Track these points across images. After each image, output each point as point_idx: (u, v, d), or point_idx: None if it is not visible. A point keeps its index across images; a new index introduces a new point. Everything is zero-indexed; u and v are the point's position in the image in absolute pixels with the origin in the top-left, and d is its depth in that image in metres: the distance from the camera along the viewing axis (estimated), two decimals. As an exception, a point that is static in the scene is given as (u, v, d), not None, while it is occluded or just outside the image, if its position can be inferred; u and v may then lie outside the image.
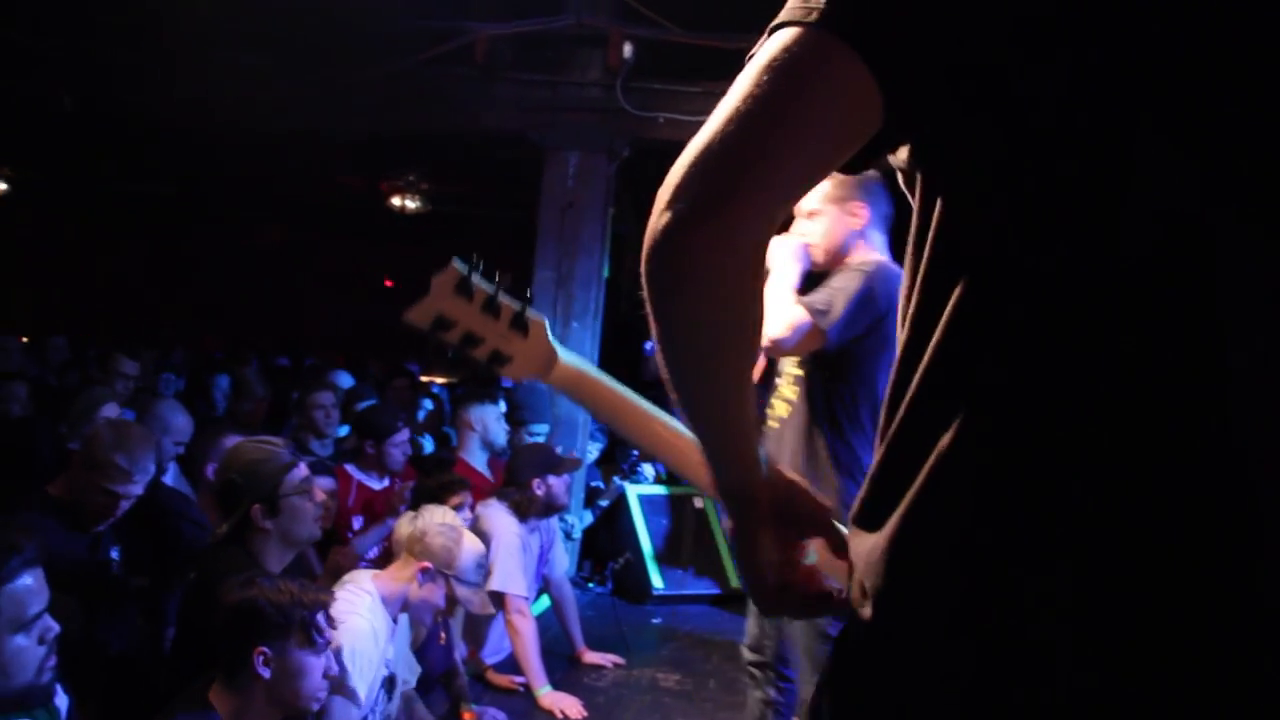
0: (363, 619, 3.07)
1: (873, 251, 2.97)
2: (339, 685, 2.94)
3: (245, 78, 6.32)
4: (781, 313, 2.78)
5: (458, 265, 1.46)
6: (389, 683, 3.25)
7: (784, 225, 2.79)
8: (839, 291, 2.83)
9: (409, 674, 3.45)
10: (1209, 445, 0.85)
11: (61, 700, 2.25)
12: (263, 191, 11.31)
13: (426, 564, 3.22)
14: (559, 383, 1.51)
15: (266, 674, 2.34)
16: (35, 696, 2.03)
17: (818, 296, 2.85)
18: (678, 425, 1.45)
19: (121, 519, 3.31)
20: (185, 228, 13.56)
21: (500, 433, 5.33)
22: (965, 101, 0.91)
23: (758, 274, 0.97)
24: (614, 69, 5.94)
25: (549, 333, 1.50)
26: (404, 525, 3.48)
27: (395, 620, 3.27)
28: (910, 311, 1.00)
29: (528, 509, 4.46)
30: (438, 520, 3.36)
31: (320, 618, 2.44)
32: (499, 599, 4.25)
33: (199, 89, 6.41)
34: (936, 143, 0.97)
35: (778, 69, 0.92)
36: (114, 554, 3.28)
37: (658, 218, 0.95)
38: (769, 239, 0.95)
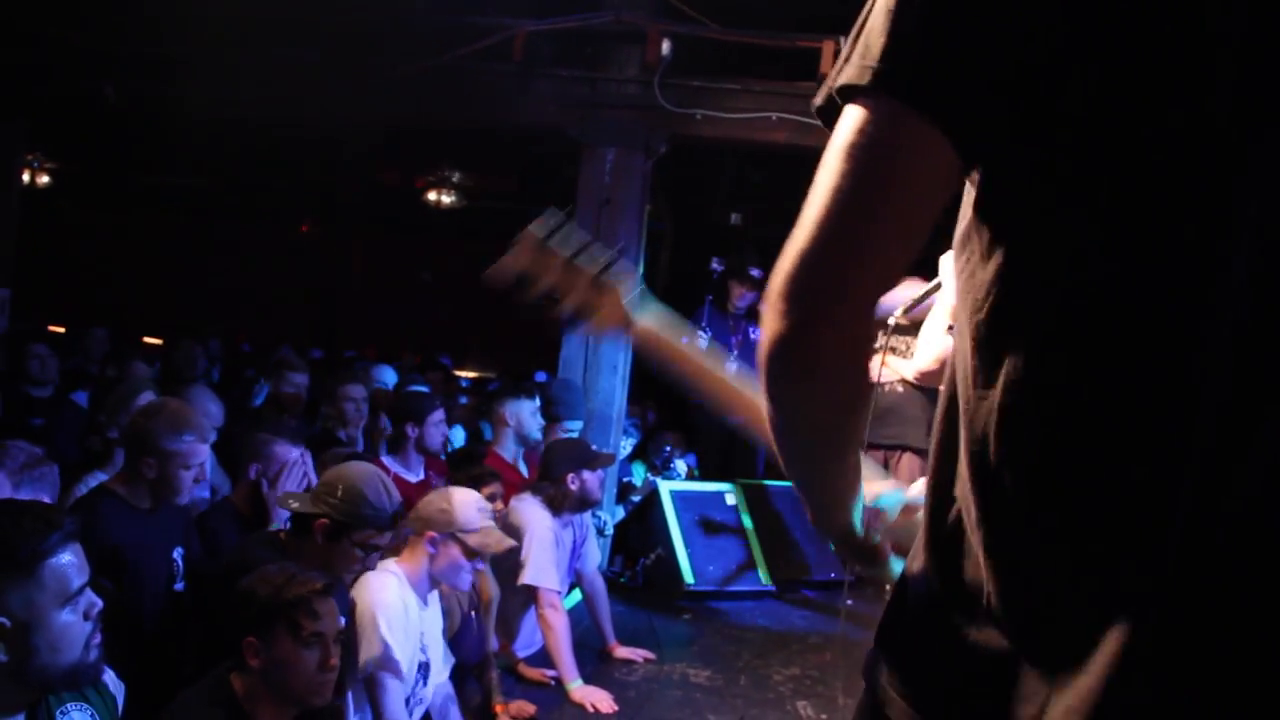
0: (393, 594, 3.14)
1: None
2: (383, 661, 2.98)
3: (285, 72, 6.37)
4: (934, 346, 2.82)
5: (544, 220, 1.46)
6: (424, 669, 3.29)
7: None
8: None
9: (445, 663, 3.49)
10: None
11: (117, 688, 2.28)
12: (300, 186, 11.41)
13: (431, 533, 3.28)
14: (639, 340, 1.53)
15: (255, 664, 2.37)
16: (84, 674, 2.04)
17: None
18: (744, 386, 1.46)
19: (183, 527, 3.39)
20: (223, 221, 13.68)
21: (535, 428, 5.35)
22: (1031, 130, 0.91)
23: (870, 350, 1.03)
24: (652, 65, 5.94)
25: (632, 289, 1.50)
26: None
27: (426, 602, 3.31)
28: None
29: (561, 503, 4.47)
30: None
31: (305, 610, 2.43)
32: (531, 593, 4.27)
33: (239, 83, 6.48)
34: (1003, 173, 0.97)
35: (859, 157, 0.94)
36: (177, 554, 3.32)
37: (776, 322, 0.98)
38: (876, 328, 1.03)
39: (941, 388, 1.08)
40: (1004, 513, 0.95)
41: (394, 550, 3.30)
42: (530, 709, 3.93)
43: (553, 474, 4.52)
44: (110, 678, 2.24)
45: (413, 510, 3.37)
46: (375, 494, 3.03)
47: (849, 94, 0.96)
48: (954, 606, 1.00)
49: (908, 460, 5.07)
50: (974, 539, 0.98)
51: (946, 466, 1.04)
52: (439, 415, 4.84)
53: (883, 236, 0.95)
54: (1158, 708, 0.86)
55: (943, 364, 2.84)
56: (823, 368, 1.00)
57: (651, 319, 1.50)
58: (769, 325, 0.99)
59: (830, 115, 1.01)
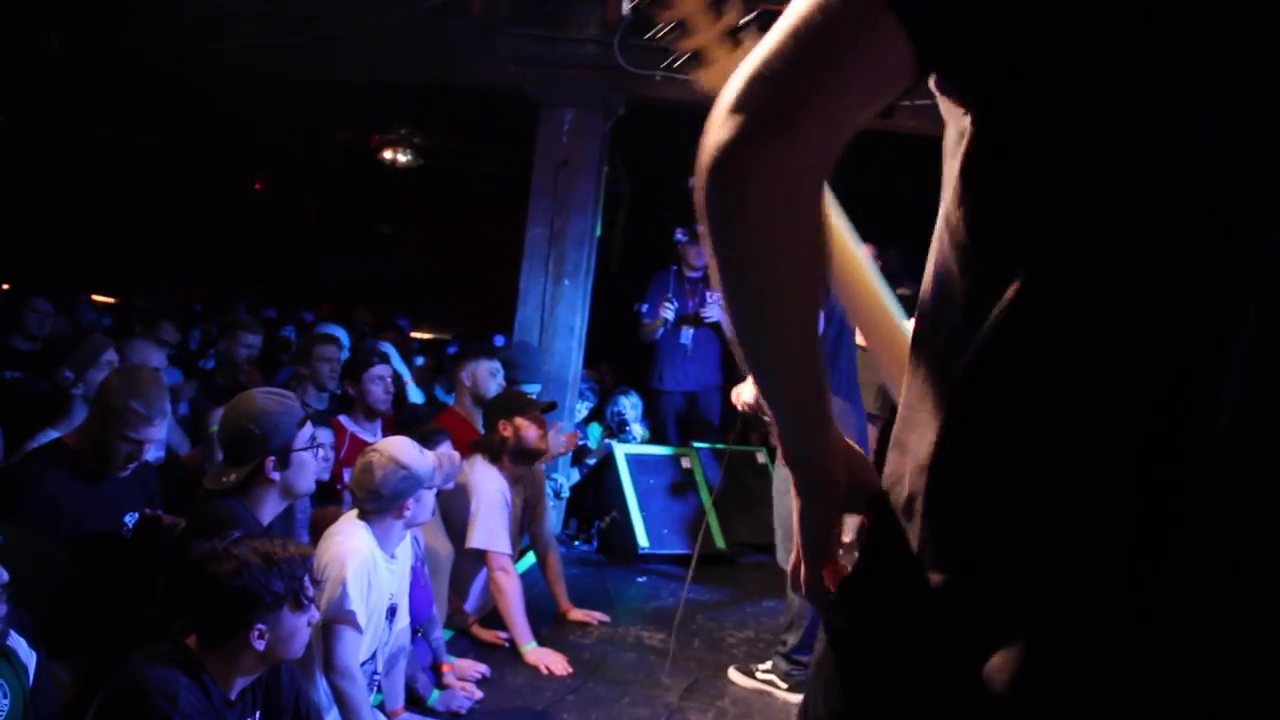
0: (361, 545, 3.15)
1: None
2: (341, 611, 2.98)
3: (238, 24, 6.23)
4: None
5: None
6: (391, 612, 3.29)
7: None
8: None
9: (407, 613, 3.50)
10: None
11: (29, 657, 2.22)
12: (253, 142, 11.20)
13: (406, 503, 3.27)
14: None
15: (262, 645, 2.36)
16: None
17: None
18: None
19: (146, 492, 3.35)
20: (174, 177, 13.43)
21: (492, 388, 5.33)
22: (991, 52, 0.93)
23: (819, 204, 0.96)
24: (612, 26, 5.87)
25: None
26: None
27: (394, 555, 3.32)
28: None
29: (500, 453, 4.44)
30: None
31: (306, 578, 2.46)
32: (481, 557, 4.26)
33: (190, 34, 6.32)
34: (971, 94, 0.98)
35: (832, 13, 0.92)
36: (129, 520, 3.28)
37: (719, 130, 0.93)
38: (825, 175, 0.94)
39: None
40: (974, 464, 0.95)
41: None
42: (481, 668, 3.94)
43: (486, 424, 4.52)
44: (21, 645, 2.18)
45: (368, 485, 3.24)
46: (277, 403, 3.06)
47: None
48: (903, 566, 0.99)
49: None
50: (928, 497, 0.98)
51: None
52: (378, 370, 4.78)
53: (838, 86, 0.92)
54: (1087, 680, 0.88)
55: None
56: (764, 188, 0.92)
57: None
58: (711, 137, 0.94)
59: None
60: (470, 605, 4.47)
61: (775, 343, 1.01)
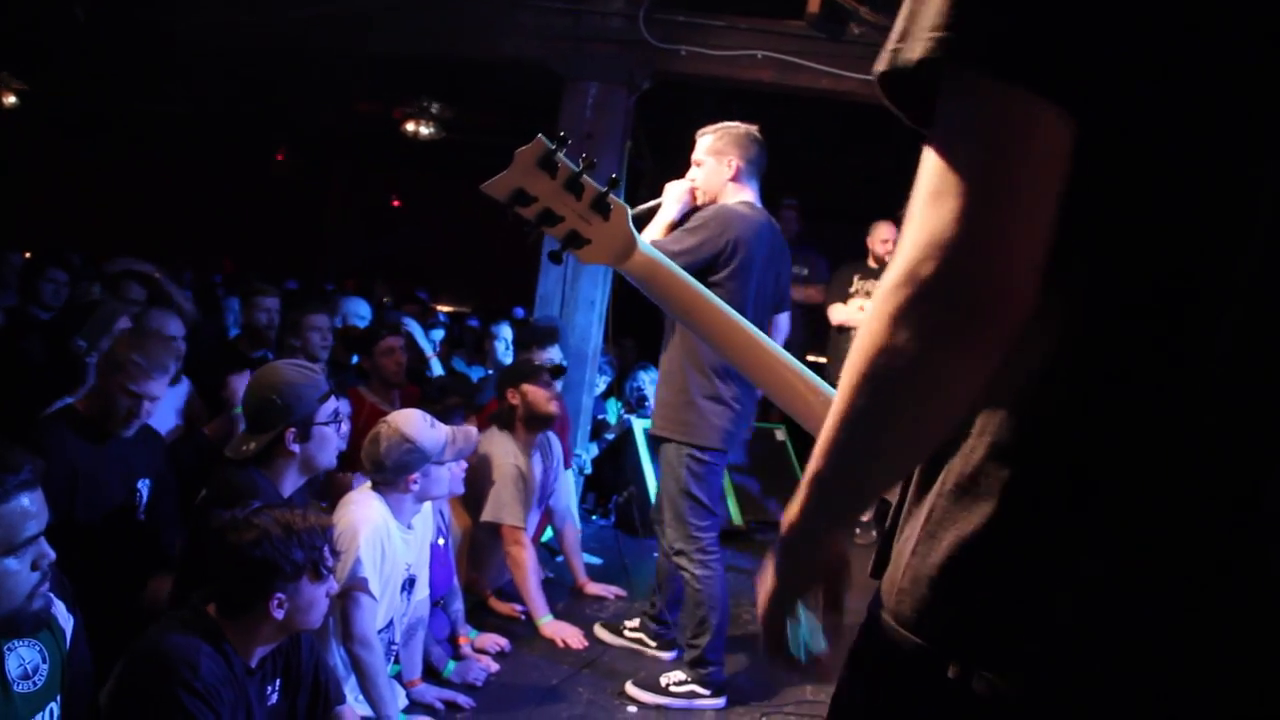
0: (376, 514, 3.18)
1: (743, 193, 3.68)
2: (356, 579, 3.00)
3: (263, -5, 6.23)
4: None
5: (543, 140, 1.43)
6: (410, 583, 3.31)
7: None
8: (687, 231, 3.52)
9: (426, 583, 3.53)
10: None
11: (66, 620, 2.24)
12: (276, 114, 11.21)
13: (411, 477, 3.28)
14: (636, 272, 1.50)
15: (280, 615, 2.38)
16: (24, 623, 1.98)
17: (674, 234, 3.53)
18: (745, 324, 1.46)
19: (155, 461, 3.37)
20: (198, 149, 13.46)
21: (501, 355, 5.35)
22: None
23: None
24: (637, 0, 5.85)
25: (630, 220, 1.48)
26: None
27: (410, 525, 3.33)
28: None
29: (511, 420, 4.46)
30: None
31: (326, 549, 2.48)
32: (495, 529, 4.28)
33: (215, 5, 6.33)
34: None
35: (985, 147, 0.88)
36: (142, 486, 3.31)
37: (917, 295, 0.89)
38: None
39: None
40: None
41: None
42: (501, 642, 3.97)
43: (497, 395, 4.55)
44: (60, 610, 2.19)
45: (374, 455, 3.27)
46: (303, 375, 3.08)
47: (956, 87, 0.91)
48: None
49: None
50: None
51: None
52: (389, 343, 4.78)
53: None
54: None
55: None
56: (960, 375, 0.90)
57: (653, 250, 1.48)
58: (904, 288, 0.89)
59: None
60: (489, 577, 4.50)
61: (894, 449, 0.99)
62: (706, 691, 3.74)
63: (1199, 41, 0.86)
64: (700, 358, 3.60)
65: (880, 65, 0.95)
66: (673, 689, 3.73)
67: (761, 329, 1.50)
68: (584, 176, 1.44)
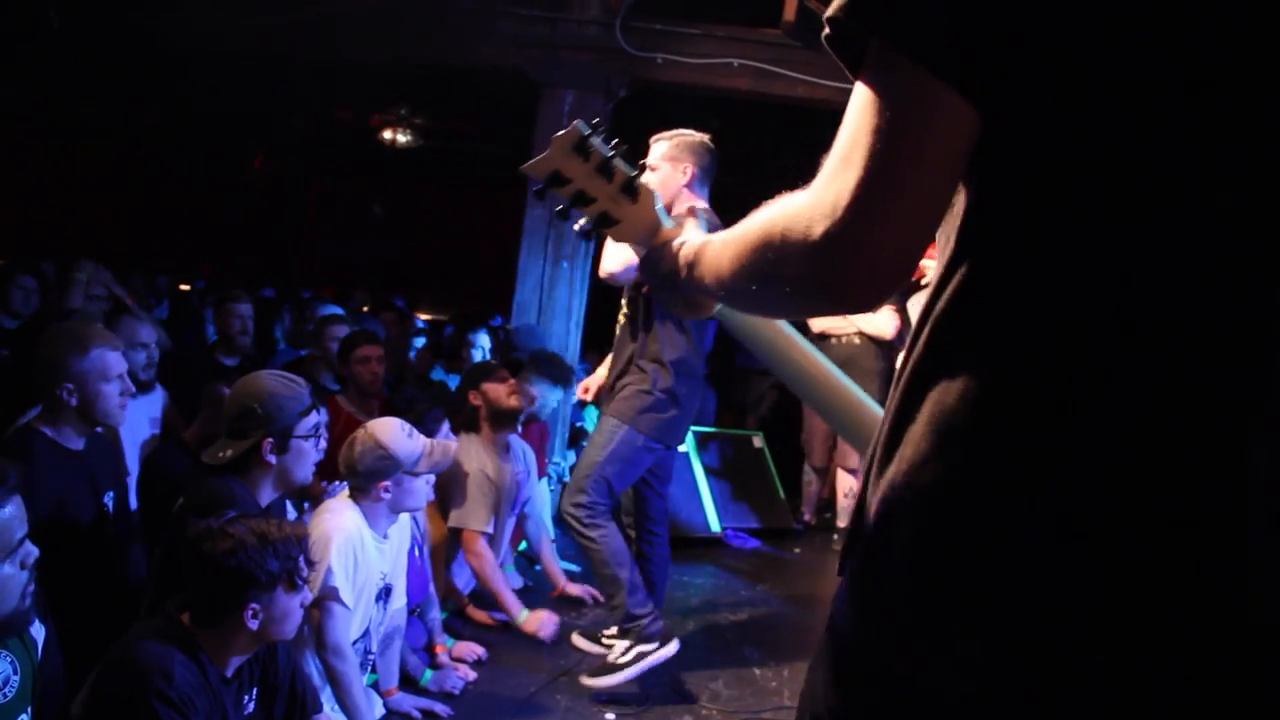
0: (350, 524, 3.15)
1: (696, 200, 3.74)
2: (329, 588, 2.98)
3: (241, 1, 6.21)
4: (619, 253, 3.53)
5: (579, 125, 1.50)
6: (385, 593, 3.30)
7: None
8: None
9: (403, 593, 3.51)
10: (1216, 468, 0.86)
11: (38, 631, 2.23)
12: (253, 121, 11.18)
13: (383, 484, 3.25)
14: (663, 248, 1.54)
15: (255, 625, 2.37)
16: (18, 622, 2.03)
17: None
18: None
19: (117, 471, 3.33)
20: (174, 155, 13.40)
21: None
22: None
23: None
24: (614, 7, 5.87)
25: (657, 203, 1.53)
26: None
27: (386, 535, 3.31)
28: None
29: (476, 422, 4.45)
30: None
31: (301, 559, 2.46)
32: (457, 535, 4.27)
33: (191, 12, 6.31)
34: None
35: (885, 128, 0.92)
36: (108, 499, 3.27)
37: (824, 227, 0.95)
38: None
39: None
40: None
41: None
42: (479, 650, 3.96)
43: (460, 397, 4.54)
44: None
45: (349, 460, 3.25)
46: (285, 386, 3.05)
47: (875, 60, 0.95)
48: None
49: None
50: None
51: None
52: (363, 351, 4.75)
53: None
54: None
55: (625, 268, 3.49)
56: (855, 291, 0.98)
57: (677, 231, 1.52)
58: (805, 228, 0.97)
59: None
60: (461, 584, 4.48)
61: (730, 300, 1.29)
62: (652, 645, 3.67)
63: (1127, 44, 0.86)
64: (663, 355, 3.67)
65: (826, 12, 0.99)
66: (621, 660, 3.68)
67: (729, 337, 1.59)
68: (616, 160, 1.51)
